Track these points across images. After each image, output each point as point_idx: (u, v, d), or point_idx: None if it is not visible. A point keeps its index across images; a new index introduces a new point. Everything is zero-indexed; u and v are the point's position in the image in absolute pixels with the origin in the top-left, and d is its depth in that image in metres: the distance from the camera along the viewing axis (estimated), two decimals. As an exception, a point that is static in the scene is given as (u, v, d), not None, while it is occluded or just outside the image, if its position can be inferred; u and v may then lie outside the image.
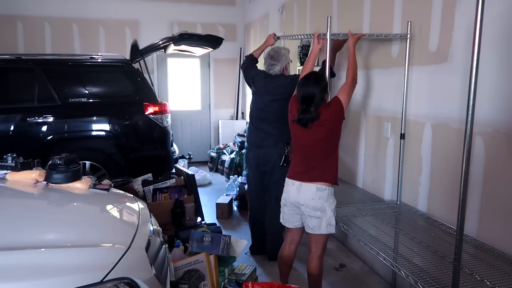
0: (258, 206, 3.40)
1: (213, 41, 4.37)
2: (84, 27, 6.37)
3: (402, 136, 2.78)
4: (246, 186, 3.65)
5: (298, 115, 2.34)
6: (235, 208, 4.65)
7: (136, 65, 4.42)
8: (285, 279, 2.63)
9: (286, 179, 2.50)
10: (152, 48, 4.37)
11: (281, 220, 2.59)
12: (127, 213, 2.04)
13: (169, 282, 1.90)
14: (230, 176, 5.57)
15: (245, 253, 3.40)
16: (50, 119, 3.89)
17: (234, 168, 5.88)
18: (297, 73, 3.40)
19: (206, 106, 7.27)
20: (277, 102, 3.09)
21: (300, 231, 2.57)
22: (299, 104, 2.36)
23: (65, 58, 4.34)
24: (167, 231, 3.17)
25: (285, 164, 3.02)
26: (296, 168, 2.46)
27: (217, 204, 4.48)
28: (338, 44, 3.05)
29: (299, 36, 3.14)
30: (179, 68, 7.04)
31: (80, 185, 2.19)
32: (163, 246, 1.93)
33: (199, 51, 4.74)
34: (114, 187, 2.38)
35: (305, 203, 2.36)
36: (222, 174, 6.18)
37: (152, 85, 4.35)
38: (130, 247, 1.56)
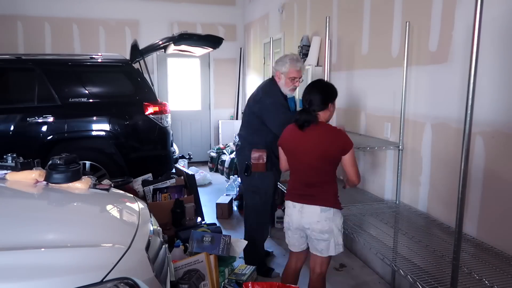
0: None
1: (213, 41, 4.37)
2: (84, 27, 6.38)
3: (402, 136, 2.79)
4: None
5: (296, 116, 2.23)
6: (235, 208, 4.65)
7: (136, 65, 4.42)
8: None
9: (286, 201, 2.31)
10: (152, 48, 4.38)
11: (287, 242, 2.40)
12: (127, 213, 2.04)
13: (169, 282, 1.90)
14: (230, 176, 5.57)
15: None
16: (50, 119, 3.89)
17: (234, 168, 5.87)
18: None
19: (206, 106, 7.28)
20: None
21: (305, 253, 2.38)
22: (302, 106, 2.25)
23: (65, 58, 4.34)
24: (167, 231, 3.17)
25: (246, 174, 2.96)
26: (294, 189, 2.27)
27: (217, 204, 4.48)
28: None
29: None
30: (179, 68, 7.05)
31: (80, 185, 2.19)
32: (163, 246, 1.93)
33: (199, 51, 4.74)
34: (114, 187, 2.38)
35: (310, 226, 2.17)
36: (222, 174, 6.18)
37: (152, 85, 4.35)
38: (130, 247, 1.56)
